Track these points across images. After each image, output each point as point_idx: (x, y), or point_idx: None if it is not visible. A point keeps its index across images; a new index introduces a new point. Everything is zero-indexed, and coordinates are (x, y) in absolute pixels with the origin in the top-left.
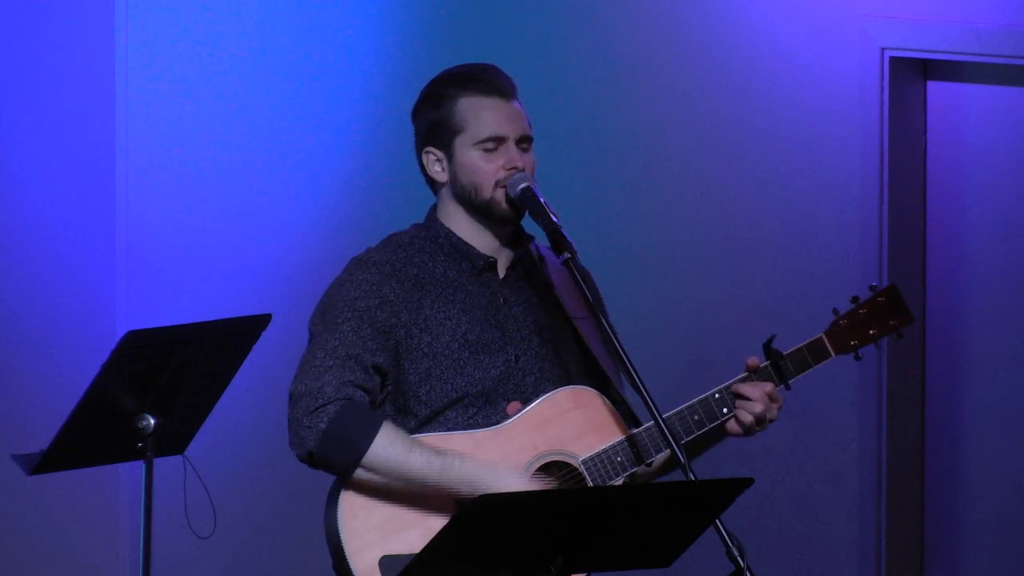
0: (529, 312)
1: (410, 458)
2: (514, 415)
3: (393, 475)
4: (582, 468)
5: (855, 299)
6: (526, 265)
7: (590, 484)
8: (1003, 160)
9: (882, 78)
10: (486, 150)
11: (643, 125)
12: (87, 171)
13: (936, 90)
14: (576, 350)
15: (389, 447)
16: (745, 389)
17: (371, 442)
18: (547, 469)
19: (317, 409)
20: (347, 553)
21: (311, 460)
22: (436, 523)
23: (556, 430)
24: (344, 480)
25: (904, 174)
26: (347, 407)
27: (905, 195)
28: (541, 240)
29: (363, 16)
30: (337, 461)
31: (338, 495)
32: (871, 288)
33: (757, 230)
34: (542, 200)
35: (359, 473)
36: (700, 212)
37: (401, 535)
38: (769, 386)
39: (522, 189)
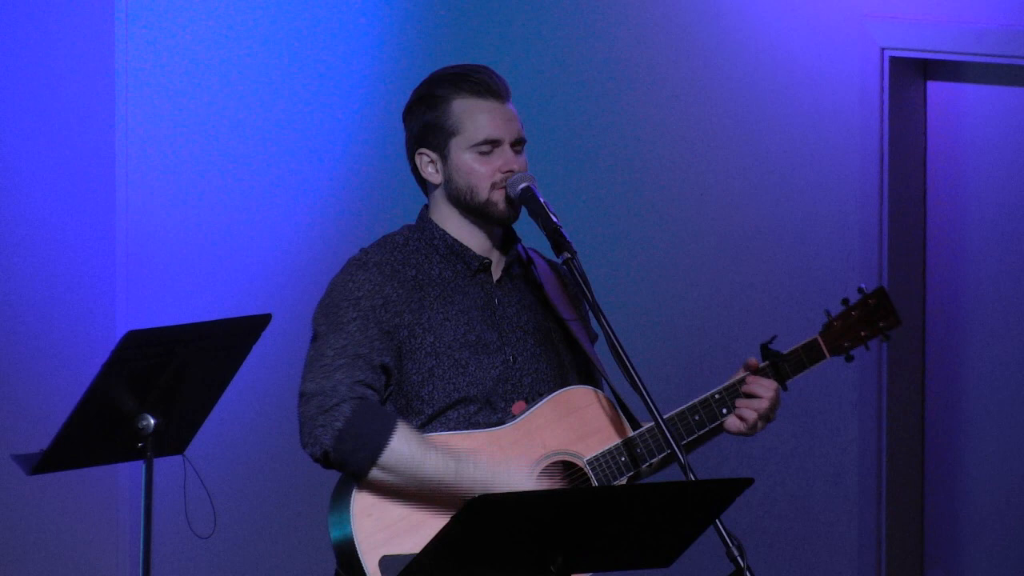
0: (523, 313)
1: (425, 458)
2: (520, 415)
3: (408, 475)
4: (587, 468)
5: (845, 301)
6: (518, 267)
7: (595, 484)
8: (1003, 160)
9: (882, 78)
10: (481, 152)
11: (643, 125)
12: (87, 171)
13: (936, 90)
14: (568, 351)
15: (405, 447)
16: (754, 387)
17: (388, 441)
18: (553, 469)
19: (331, 408)
20: (360, 552)
21: (326, 459)
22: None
23: (561, 430)
24: (356, 479)
25: (904, 174)
26: (362, 406)
27: (905, 195)
28: (538, 241)
29: (363, 16)
30: (353, 460)
31: (350, 495)
32: (860, 290)
33: (757, 230)
34: (542, 200)
35: (374, 473)
36: (700, 212)
37: (412, 534)
38: (774, 383)
39: (522, 189)
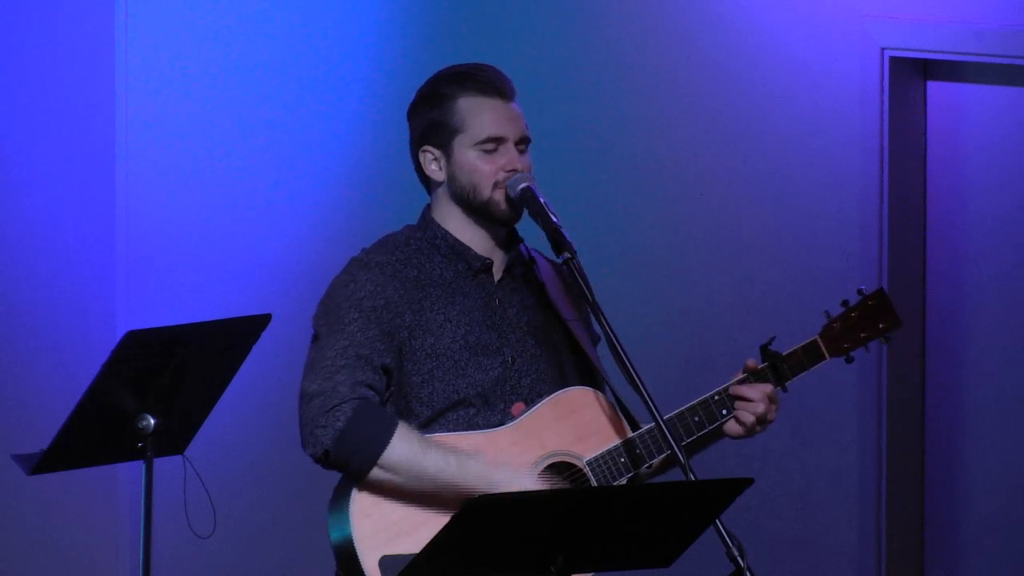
0: (524, 314)
1: (426, 457)
2: (519, 416)
3: (410, 474)
4: (587, 469)
5: (845, 302)
6: (520, 267)
7: (594, 485)
8: (1003, 160)
9: (882, 78)
10: (485, 151)
11: (643, 125)
12: (87, 171)
13: (936, 90)
14: (570, 352)
15: (406, 446)
16: (745, 390)
17: (388, 441)
18: (552, 470)
19: (332, 408)
20: (359, 552)
21: (326, 459)
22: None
23: (561, 431)
24: (357, 480)
25: (904, 174)
26: (363, 406)
27: (905, 195)
28: (537, 242)
29: (363, 16)
30: (354, 460)
31: (348, 495)
32: (859, 292)
33: (757, 230)
34: (542, 200)
35: (375, 473)
36: (700, 212)
37: (412, 535)
38: (768, 387)
39: (522, 189)
